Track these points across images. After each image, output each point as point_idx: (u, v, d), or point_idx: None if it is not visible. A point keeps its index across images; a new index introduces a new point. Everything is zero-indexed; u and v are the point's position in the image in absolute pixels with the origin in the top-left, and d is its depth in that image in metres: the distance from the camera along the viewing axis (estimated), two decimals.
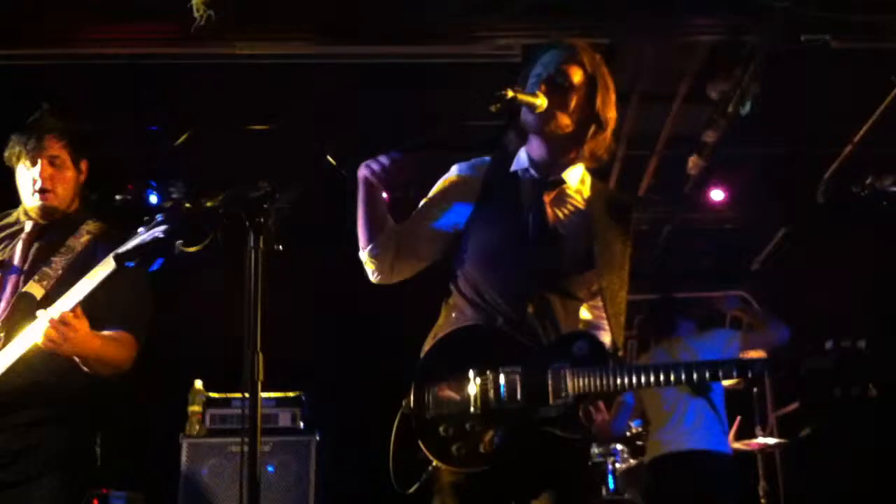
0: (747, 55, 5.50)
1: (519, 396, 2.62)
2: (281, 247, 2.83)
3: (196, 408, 5.87)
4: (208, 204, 3.03)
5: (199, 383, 5.96)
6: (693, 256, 8.23)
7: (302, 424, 5.80)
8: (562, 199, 2.91)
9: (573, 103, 2.85)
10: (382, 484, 2.79)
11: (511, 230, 2.86)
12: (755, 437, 6.54)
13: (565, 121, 2.84)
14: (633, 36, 5.26)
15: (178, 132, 6.29)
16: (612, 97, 2.94)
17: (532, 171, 2.92)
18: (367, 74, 5.73)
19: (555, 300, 2.78)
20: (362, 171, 2.91)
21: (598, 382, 2.57)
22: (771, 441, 6.62)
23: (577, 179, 2.95)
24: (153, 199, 7.18)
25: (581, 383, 2.58)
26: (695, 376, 2.56)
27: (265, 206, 2.85)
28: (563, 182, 2.92)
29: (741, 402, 6.82)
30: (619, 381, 2.57)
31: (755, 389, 6.80)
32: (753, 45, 5.38)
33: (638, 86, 5.96)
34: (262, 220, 2.85)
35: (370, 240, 2.96)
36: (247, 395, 2.69)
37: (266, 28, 5.07)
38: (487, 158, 3.05)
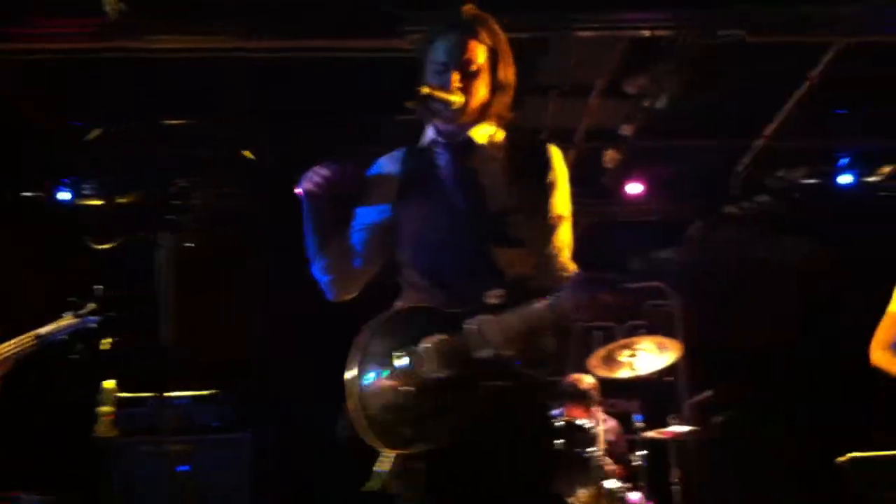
0: (663, 50, 5.59)
1: (447, 362, 2.61)
2: (193, 244, 2.77)
3: (107, 408, 5.74)
4: (122, 201, 2.92)
5: (110, 382, 5.82)
6: (610, 249, 8.31)
7: (225, 423, 5.72)
8: (475, 157, 2.90)
9: (481, 84, 2.86)
10: (312, 482, 2.76)
11: (435, 199, 2.85)
12: (669, 425, 6.63)
13: (475, 104, 2.86)
14: (552, 31, 5.30)
15: (92, 128, 6.18)
16: (510, 56, 2.93)
17: (441, 139, 2.93)
18: (286, 69, 5.67)
19: (497, 251, 2.76)
20: (304, 185, 2.85)
21: (515, 322, 2.57)
22: (684, 429, 6.72)
23: (486, 134, 2.95)
24: (65, 195, 7.08)
25: (505, 329, 2.57)
26: (610, 278, 2.57)
27: (181, 202, 2.76)
28: (471, 140, 2.91)
29: (656, 390, 6.93)
30: (542, 318, 2.57)
31: (671, 379, 6.90)
32: (670, 40, 5.46)
33: (557, 80, 6.02)
34: (175, 217, 2.78)
35: (313, 259, 2.95)
36: (160, 394, 2.63)
37: (181, 23, 4.97)
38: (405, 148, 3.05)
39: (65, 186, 7.01)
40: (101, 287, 4.92)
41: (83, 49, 5.20)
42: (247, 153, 6.06)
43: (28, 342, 4.60)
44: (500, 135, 2.97)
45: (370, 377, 2.70)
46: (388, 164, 3.00)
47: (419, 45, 2.97)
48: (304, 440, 2.67)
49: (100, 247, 5.32)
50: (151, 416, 5.59)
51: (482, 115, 2.91)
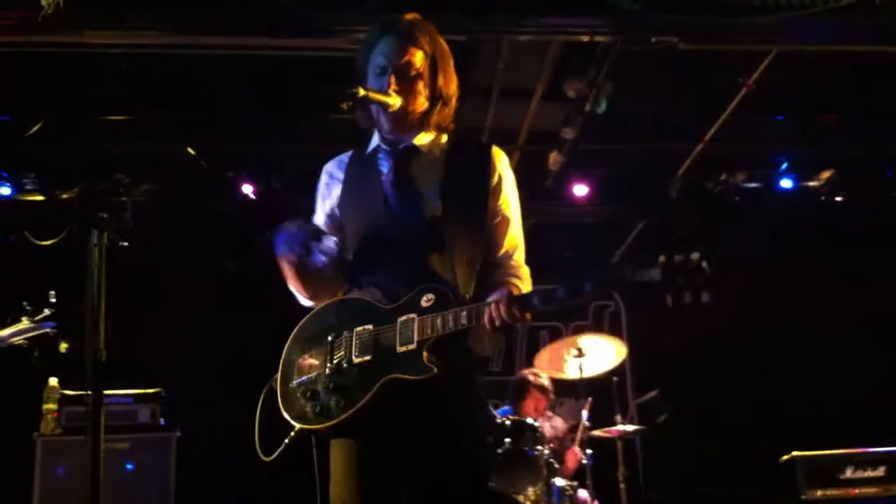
0: (601, 55, 5.67)
1: (369, 351, 2.72)
2: (127, 242, 2.79)
3: (51, 405, 5.73)
4: (63, 197, 2.92)
5: (53, 381, 5.82)
6: (554, 250, 8.38)
7: (162, 421, 5.72)
8: (416, 161, 2.95)
9: (420, 88, 2.90)
10: (245, 480, 2.81)
11: (374, 203, 2.90)
12: (615, 424, 6.70)
13: (415, 108, 2.90)
14: (489, 34, 5.36)
15: (30, 123, 6.13)
16: (452, 68, 2.98)
17: (384, 146, 2.97)
18: (224, 66, 5.67)
19: (430, 256, 2.81)
20: (283, 254, 2.85)
21: (439, 324, 2.64)
22: (630, 428, 6.79)
23: (428, 140, 2.99)
24: (5, 190, 7.02)
25: (426, 328, 2.66)
26: (534, 301, 2.61)
27: (121, 199, 2.78)
28: (414, 147, 2.96)
29: (602, 389, 6.99)
30: (459, 320, 2.63)
31: (615, 378, 6.97)
32: (606, 46, 5.54)
33: (497, 82, 6.08)
34: (109, 215, 2.79)
35: (300, 297, 3.00)
36: (90, 392, 2.66)
37: (119, 18, 4.95)
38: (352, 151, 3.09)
39: (4, 181, 6.96)
40: (54, 292, 4.97)
41: (22, 42, 5.18)
42: (189, 150, 6.05)
43: None
44: (444, 138, 3.00)
45: (294, 353, 2.86)
46: (335, 168, 3.05)
47: (361, 47, 2.99)
48: (228, 438, 2.71)
49: (40, 242, 5.30)
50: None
51: (423, 123, 2.94)
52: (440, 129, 2.98)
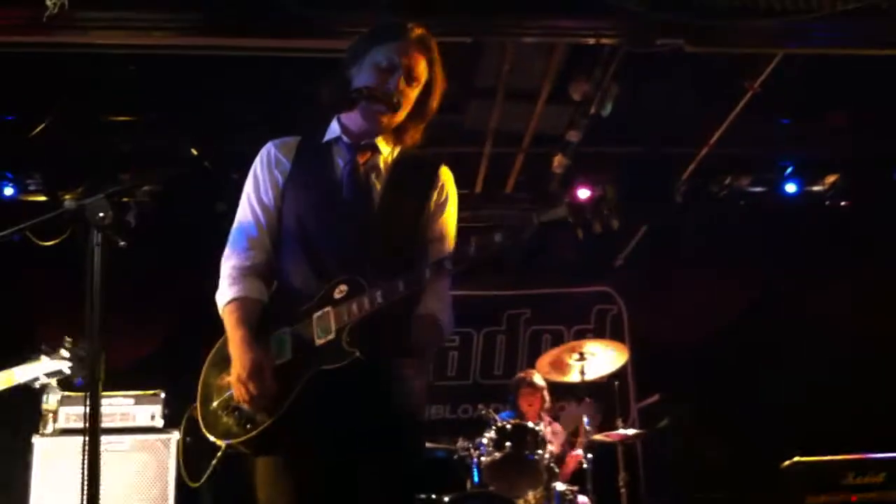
0: (607, 57, 5.65)
1: (288, 352, 2.69)
2: (125, 243, 2.76)
3: (50, 406, 5.71)
4: (66, 198, 2.89)
5: (53, 381, 5.79)
6: (558, 253, 8.36)
7: (161, 422, 5.70)
8: (373, 163, 2.91)
9: (412, 97, 2.88)
10: (245, 482, 2.77)
11: (325, 190, 2.86)
12: (616, 428, 6.69)
13: (401, 115, 2.87)
14: (496, 35, 5.34)
15: (34, 123, 6.11)
16: (442, 91, 2.96)
17: (345, 138, 2.92)
18: (230, 67, 5.66)
19: (371, 253, 2.78)
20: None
21: (355, 308, 2.62)
22: (631, 432, 6.78)
23: (389, 148, 2.96)
24: (8, 190, 7.01)
25: (343, 316, 2.64)
26: (446, 265, 2.62)
27: (124, 199, 2.75)
28: (376, 147, 2.92)
29: (604, 394, 6.98)
30: (374, 300, 2.61)
31: (617, 382, 6.96)
32: (612, 48, 5.52)
33: (502, 85, 6.05)
34: (108, 215, 2.75)
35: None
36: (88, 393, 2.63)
37: (123, 18, 4.93)
38: (298, 137, 3.03)
39: (8, 181, 6.95)
40: (70, 339, 5.01)
41: (26, 42, 5.16)
42: (193, 150, 6.03)
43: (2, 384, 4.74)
44: (397, 150, 2.97)
45: (211, 377, 2.84)
46: (278, 151, 2.96)
47: (361, 40, 2.94)
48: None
49: (45, 244, 5.30)
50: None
51: (399, 133, 2.92)
52: (408, 144, 2.95)
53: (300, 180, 2.90)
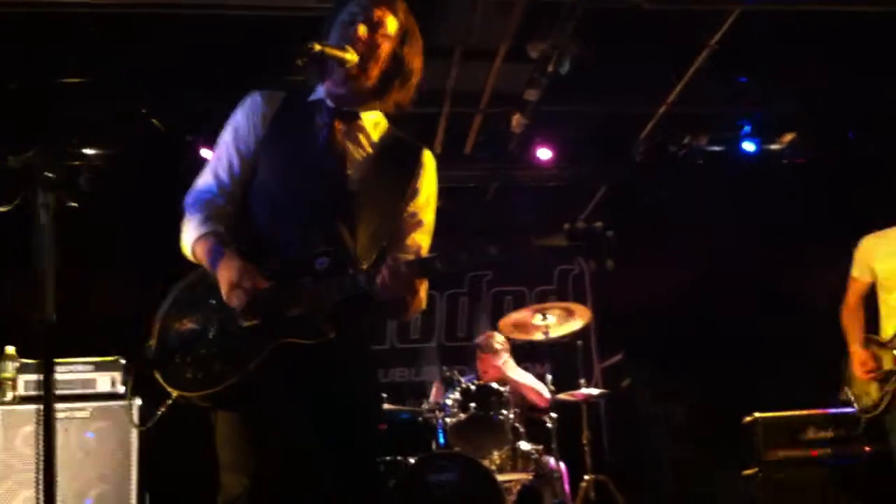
0: (565, 15, 5.62)
1: (254, 312, 2.63)
2: (77, 204, 2.70)
3: (8, 374, 5.64)
4: (15, 161, 2.84)
5: (10, 349, 5.72)
6: (518, 214, 8.37)
7: (122, 389, 5.64)
8: (352, 133, 2.88)
9: (383, 52, 2.80)
10: (207, 448, 2.74)
11: (301, 150, 2.81)
12: (580, 387, 6.73)
13: (374, 72, 2.80)
14: None
15: None
16: (420, 49, 2.90)
17: (328, 101, 2.87)
18: (186, 26, 5.56)
19: (340, 225, 2.75)
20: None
21: (335, 289, 2.61)
22: (595, 392, 6.84)
23: (372, 120, 2.93)
24: None
25: (321, 292, 2.61)
26: (436, 264, 2.60)
27: (75, 162, 2.69)
28: (357, 116, 2.88)
29: (567, 354, 7.01)
30: (357, 284, 2.61)
31: (580, 342, 6.99)
32: (570, 5, 5.49)
33: (459, 43, 6.01)
34: (57, 175, 2.70)
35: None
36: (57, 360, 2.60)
37: None
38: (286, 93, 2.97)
39: None
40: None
41: None
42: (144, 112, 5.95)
43: None
44: (383, 127, 2.95)
45: (171, 318, 2.76)
46: (263, 101, 2.91)
47: (331, 7, 2.90)
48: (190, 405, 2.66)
49: None
50: (55, 382, 5.46)
51: (380, 94, 2.85)
52: (397, 108, 2.90)
53: (279, 134, 2.85)
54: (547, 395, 6.55)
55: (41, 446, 2.54)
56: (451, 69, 6.32)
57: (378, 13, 2.79)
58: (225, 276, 2.63)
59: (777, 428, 6.29)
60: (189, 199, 2.89)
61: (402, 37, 2.84)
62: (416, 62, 2.88)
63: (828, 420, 6.25)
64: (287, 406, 2.64)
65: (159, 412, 2.70)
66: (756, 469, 6.22)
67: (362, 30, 2.76)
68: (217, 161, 2.90)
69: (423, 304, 2.88)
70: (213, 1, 5.24)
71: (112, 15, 5.43)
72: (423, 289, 2.84)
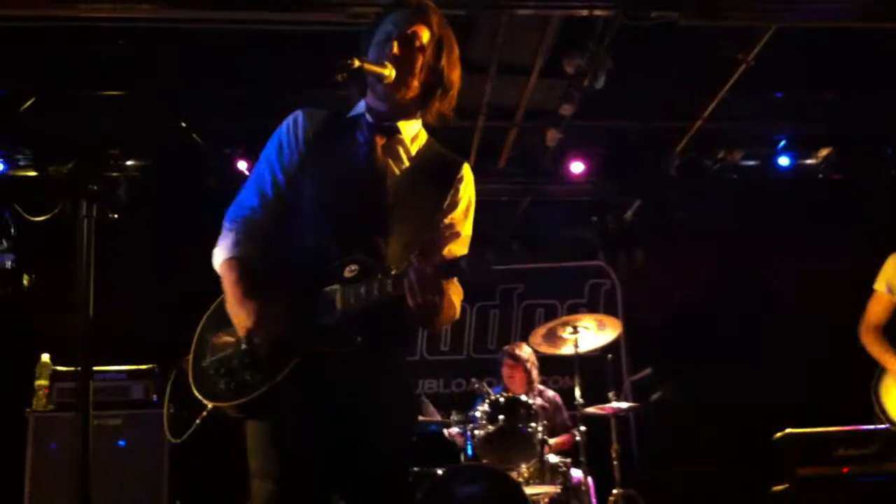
0: (601, 30, 5.62)
1: (286, 324, 2.66)
2: (117, 215, 2.74)
3: (43, 382, 5.71)
4: (56, 172, 2.87)
5: (45, 357, 5.80)
6: (550, 228, 8.35)
7: (155, 398, 5.70)
8: (392, 147, 2.90)
9: (420, 64, 2.83)
10: (239, 457, 2.76)
11: (341, 166, 2.84)
12: (609, 401, 6.70)
13: (414, 83, 2.83)
14: (488, 8, 5.30)
15: (24, 98, 6.07)
16: (457, 57, 2.94)
17: (368, 117, 2.91)
18: (219, 40, 5.62)
19: (377, 239, 2.77)
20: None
21: (363, 292, 2.62)
22: (624, 405, 6.80)
23: (412, 133, 2.95)
24: None
25: (350, 298, 2.63)
26: (462, 265, 2.59)
27: (114, 174, 2.73)
28: (397, 131, 2.91)
29: (596, 367, 6.99)
30: (384, 288, 2.61)
31: (610, 356, 6.96)
32: (606, 20, 5.49)
33: (495, 58, 6.02)
34: (99, 186, 2.73)
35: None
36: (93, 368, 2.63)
37: None
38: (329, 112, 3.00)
39: None
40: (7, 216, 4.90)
41: (15, 16, 5.12)
42: (183, 125, 6.00)
43: None
44: (422, 140, 2.97)
45: (208, 332, 2.81)
46: (306, 119, 2.94)
47: (367, 25, 2.95)
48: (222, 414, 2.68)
49: (34, 218, 5.25)
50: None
51: (421, 103, 2.89)
52: (440, 120, 2.92)
53: (321, 152, 2.88)
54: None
55: (76, 454, 2.57)
56: (486, 84, 6.33)
57: (412, 28, 2.83)
58: (242, 317, 2.69)
59: (808, 444, 6.22)
60: (229, 213, 2.93)
61: (438, 48, 2.86)
62: (454, 72, 2.92)
63: (860, 436, 6.18)
64: (314, 415, 2.66)
65: (194, 424, 2.72)
66: (786, 486, 6.16)
67: (397, 46, 2.80)
68: (259, 176, 2.94)
69: (457, 314, 2.88)
70: (253, 16, 5.26)
71: (153, 29, 5.48)
72: (458, 297, 2.85)
